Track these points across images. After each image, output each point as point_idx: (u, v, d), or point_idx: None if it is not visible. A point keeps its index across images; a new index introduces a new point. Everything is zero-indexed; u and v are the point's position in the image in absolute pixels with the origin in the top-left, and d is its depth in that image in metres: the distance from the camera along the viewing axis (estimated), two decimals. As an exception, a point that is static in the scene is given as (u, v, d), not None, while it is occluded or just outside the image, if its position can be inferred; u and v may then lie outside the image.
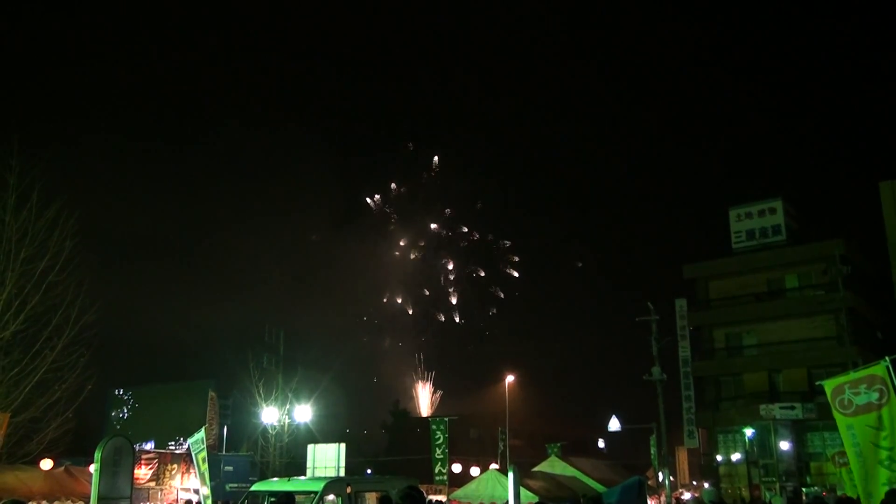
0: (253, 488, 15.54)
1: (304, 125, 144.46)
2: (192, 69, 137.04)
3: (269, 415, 37.13)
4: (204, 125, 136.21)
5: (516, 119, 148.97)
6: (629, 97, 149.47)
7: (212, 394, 41.95)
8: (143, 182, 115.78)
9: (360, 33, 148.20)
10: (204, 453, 19.51)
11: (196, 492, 23.68)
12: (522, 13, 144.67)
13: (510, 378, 52.29)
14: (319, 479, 18.06)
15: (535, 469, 31.04)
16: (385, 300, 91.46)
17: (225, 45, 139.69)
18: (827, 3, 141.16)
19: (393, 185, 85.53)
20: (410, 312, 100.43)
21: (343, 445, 27.42)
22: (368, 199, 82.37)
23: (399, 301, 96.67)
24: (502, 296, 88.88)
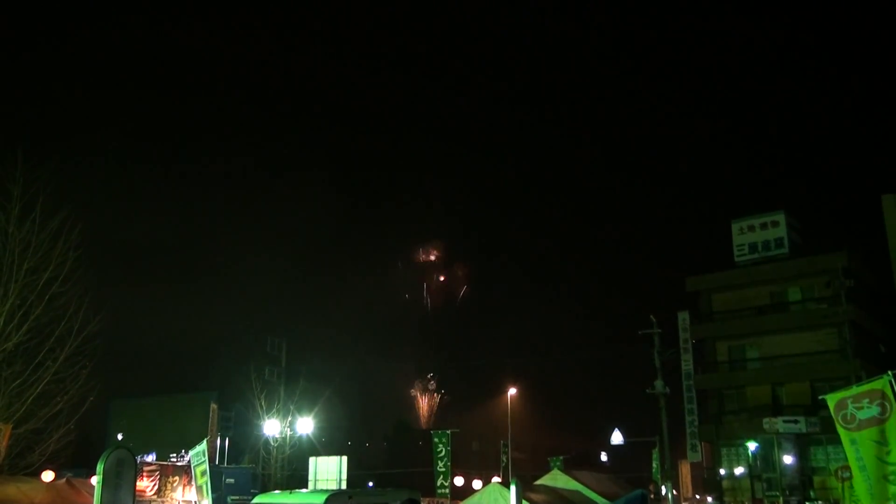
0: (254, 501, 15.46)
1: (307, 136, 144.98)
2: (198, 84, 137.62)
3: (271, 427, 37.08)
4: (207, 137, 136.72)
5: (519, 132, 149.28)
6: (632, 109, 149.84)
7: (213, 406, 41.93)
8: (146, 195, 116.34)
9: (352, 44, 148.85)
10: (203, 466, 19.51)
11: (196, 504, 23.64)
12: (526, 25, 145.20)
13: (512, 391, 52.23)
14: (321, 491, 17.97)
15: (538, 482, 30.94)
16: (386, 312, 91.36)
17: (230, 63, 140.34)
18: (829, 16, 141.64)
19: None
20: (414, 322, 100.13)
21: (345, 458, 27.36)
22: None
23: (401, 312, 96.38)
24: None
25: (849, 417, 10.93)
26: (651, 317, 34.03)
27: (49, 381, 19.64)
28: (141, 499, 26.03)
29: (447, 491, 34.74)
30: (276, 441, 37.06)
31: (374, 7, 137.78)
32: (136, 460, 14.75)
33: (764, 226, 47.79)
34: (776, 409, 43.77)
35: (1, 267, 19.34)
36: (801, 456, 41.74)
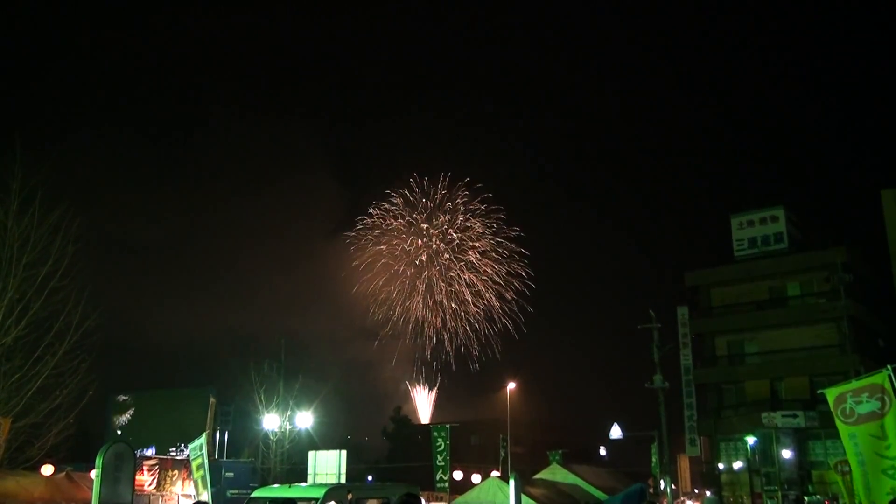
0: (254, 495, 15.49)
1: (307, 131, 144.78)
2: (194, 72, 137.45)
3: (271, 421, 37.11)
4: (205, 135, 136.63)
5: (515, 128, 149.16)
6: (631, 105, 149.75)
7: (212, 400, 41.95)
8: (146, 191, 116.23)
9: (357, 34, 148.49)
10: (200, 460, 19.45)
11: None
12: (530, 19, 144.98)
13: (511, 385, 52.32)
14: (320, 485, 18.03)
15: (537, 476, 31.07)
16: (386, 308, 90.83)
17: (227, 48, 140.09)
18: (829, 13, 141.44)
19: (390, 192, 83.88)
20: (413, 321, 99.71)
21: (344, 452, 27.40)
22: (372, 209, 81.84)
23: (400, 308, 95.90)
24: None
25: (848, 412, 10.93)
26: (650, 311, 34.06)
27: (48, 376, 19.66)
28: (139, 493, 26.09)
29: (446, 485, 34.74)
30: (276, 435, 37.08)
31: None
32: (135, 454, 14.75)
33: (763, 221, 47.80)
34: (775, 404, 43.82)
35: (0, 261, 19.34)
36: (800, 450, 41.78)
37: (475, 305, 79.41)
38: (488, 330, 79.10)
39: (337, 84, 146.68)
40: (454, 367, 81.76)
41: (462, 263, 79.74)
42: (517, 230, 75.23)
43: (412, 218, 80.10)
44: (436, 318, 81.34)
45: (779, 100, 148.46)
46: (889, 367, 10.62)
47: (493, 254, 78.34)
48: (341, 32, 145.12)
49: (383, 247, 79.30)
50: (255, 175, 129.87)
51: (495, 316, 78.03)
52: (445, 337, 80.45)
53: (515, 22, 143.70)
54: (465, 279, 79.75)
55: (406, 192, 79.22)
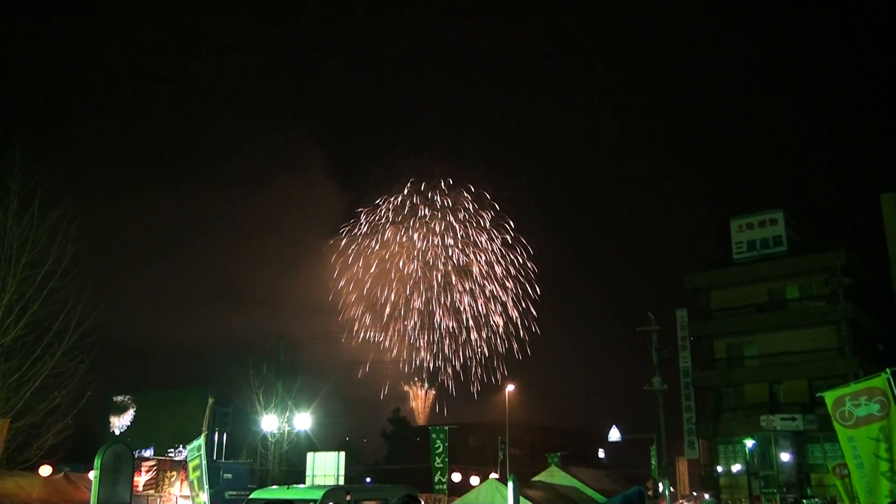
0: (252, 496, 15.46)
1: (305, 131, 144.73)
2: (193, 74, 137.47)
3: (269, 422, 37.02)
4: (205, 134, 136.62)
5: (515, 133, 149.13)
6: (631, 106, 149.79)
7: (210, 400, 41.75)
8: (145, 191, 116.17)
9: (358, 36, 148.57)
10: (197, 461, 19.34)
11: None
12: (520, 23, 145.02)
13: (510, 387, 52.31)
14: (319, 487, 17.98)
15: (535, 479, 30.96)
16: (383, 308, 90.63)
17: (225, 48, 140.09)
18: (831, 17, 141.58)
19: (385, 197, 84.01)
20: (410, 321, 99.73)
21: (343, 454, 27.39)
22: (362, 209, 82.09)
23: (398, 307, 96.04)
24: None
25: (846, 415, 10.93)
26: (649, 314, 34.05)
27: (47, 376, 19.64)
28: (138, 494, 26.02)
29: (445, 487, 34.73)
30: (274, 436, 37.01)
31: None
32: (133, 455, 14.73)
33: (763, 224, 47.82)
34: (774, 407, 43.83)
35: (-1, 261, 19.33)
36: (799, 453, 41.80)
37: (474, 317, 79.45)
38: (490, 347, 79.22)
39: (336, 84, 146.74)
40: (453, 392, 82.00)
41: (462, 267, 79.77)
42: (519, 237, 75.02)
43: (410, 224, 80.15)
44: (431, 330, 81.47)
45: (778, 102, 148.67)
46: (888, 370, 10.64)
47: (494, 260, 78.33)
48: (340, 33, 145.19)
49: (376, 254, 79.38)
50: (253, 176, 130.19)
51: (499, 337, 78.12)
52: (446, 345, 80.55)
53: (506, 19, 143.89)
54: (465, 287, 79.74)
55: (406, 196, 79.35)
